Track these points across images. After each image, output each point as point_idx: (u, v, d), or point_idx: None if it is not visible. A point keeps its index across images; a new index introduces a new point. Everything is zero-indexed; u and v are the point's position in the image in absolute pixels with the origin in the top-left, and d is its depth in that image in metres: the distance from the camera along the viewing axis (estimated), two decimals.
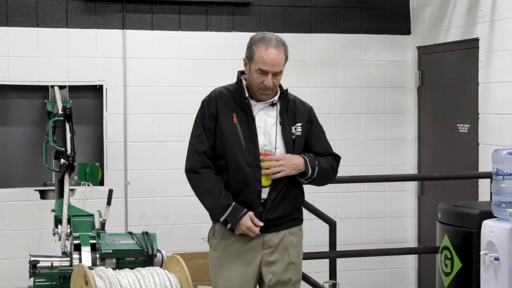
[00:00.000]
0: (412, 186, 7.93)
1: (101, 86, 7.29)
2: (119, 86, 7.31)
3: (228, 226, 4.32)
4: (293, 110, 4.48)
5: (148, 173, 7.34)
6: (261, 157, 4.37)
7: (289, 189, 4.44)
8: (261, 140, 4.39)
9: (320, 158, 4.47)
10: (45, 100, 7.04)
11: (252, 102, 4.41)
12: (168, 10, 7.40)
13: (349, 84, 7.85)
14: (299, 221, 4.56)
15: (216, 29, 7.49)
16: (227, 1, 7.48)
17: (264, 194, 4.40)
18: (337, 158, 4.60)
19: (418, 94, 7.90)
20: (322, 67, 7.78)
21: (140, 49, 7.35)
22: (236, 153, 4.34)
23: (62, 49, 7.17)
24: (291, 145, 4.41)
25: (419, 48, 7.87)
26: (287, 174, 4.36)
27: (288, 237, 4.45)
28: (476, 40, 6.91)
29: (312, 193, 7.25)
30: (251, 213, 4.31)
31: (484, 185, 6.67)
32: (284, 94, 4.48)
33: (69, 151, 5.98)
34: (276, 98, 4.45)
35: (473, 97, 6.95)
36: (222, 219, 4.33)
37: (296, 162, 4.38)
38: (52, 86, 6.97)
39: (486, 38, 6.77)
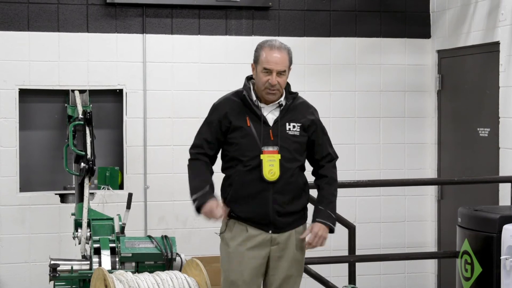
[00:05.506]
0: (432, 190, 7.89)
1: (121, 90, 7.31)
2: (139, 90, 7.33)
3: (196, 203, 4.59)
4: (293, 110, 4.66)
5: (167, 177, 7.35)
6: (262, 154, 4.54)
7: (297, 192, 4.68)
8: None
9: (328, 197, 4.83)
10: (66, 104, 7.08)
11: (261, 105, 4.61)
12: (188, 15, 7.42)
13: (369, 88, 7.83)
14: (303, 219, 4.76)
15: (235, 33, 7.50)
16: (246, 6, 7.48)
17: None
18: (335, 161, 4.83)
19: (438, 98, 7.87)
20: (342, 71, 7.77)
21: (160, 53, 7.37)
22: (247, 153, 4.56)
23: (83, 53, 7.20)
24: (290, 143, 4.60)
25: (439, 51, 7.84)
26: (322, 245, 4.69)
27: (294, 235, 4.67)
28: (497, 43, 6.87)
29: None
30: (220, 202, 4.58)
31: (504, 189, 6.64)
32: (293, 96, 4.67)
33: (89, 155, 6.02)
34: (282, 99, 4.62)
35: (494, 101, 6.91)
36: (193, 197, 4.63)
37: (325, 235, 4.69)
38: (73, 90, 7.01)
39: (507, 42, 6.73)
